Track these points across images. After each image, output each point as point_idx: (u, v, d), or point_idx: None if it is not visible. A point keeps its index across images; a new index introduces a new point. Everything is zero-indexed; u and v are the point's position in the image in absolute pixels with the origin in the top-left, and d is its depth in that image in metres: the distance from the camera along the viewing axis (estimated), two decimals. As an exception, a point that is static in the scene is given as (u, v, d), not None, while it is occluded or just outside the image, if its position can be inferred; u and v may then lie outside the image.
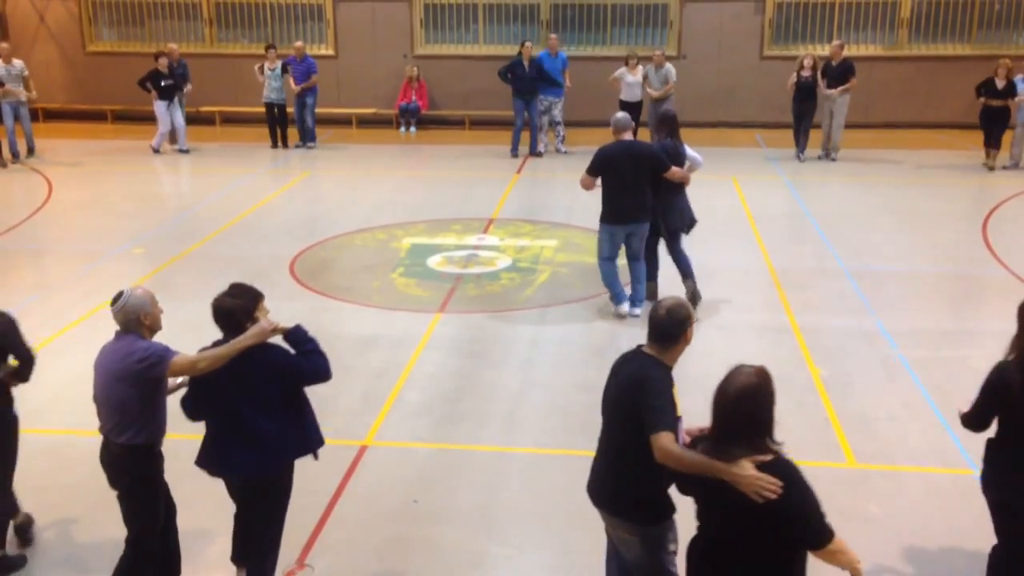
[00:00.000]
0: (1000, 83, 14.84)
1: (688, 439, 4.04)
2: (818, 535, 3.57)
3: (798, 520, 3.55)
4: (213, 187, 14.43)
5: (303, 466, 5.37)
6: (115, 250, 11.26)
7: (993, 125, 14.98)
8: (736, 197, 13.52)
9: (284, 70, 16.60)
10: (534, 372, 8.05)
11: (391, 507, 6.04)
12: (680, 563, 4.15)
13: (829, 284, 10.05)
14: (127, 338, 4.61)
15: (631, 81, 16.13)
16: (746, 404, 3.60)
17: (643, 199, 8.82)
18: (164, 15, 19.48)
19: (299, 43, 17.09)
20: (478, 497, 6.17)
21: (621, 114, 9.12)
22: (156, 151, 16.48)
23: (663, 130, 9.33)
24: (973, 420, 4.67)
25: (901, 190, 14.08)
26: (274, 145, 16.84)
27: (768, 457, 3.58)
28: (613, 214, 8.88)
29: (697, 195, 13.81)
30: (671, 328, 4.12)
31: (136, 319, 4.60)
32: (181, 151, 16.51)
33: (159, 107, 16.21)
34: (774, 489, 3.49)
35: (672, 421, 3.95)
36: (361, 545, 5.67)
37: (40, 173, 15.11)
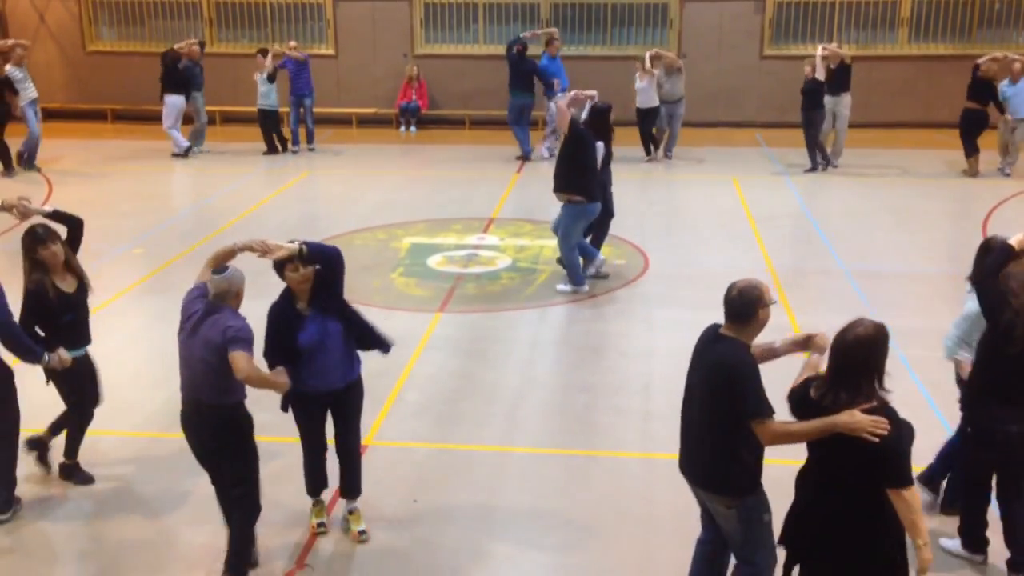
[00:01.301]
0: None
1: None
2: (901, 476, 4.00)
3: (890, 457, 3.97)
4: (213, 187, 14.43)
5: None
6: (115, 250, 11.26)
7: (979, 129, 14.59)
8: (736, 197, 13.51)
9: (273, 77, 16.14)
10: (534, 372, 8.06)
11: (391, 507, 6.04)
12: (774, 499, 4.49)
13: (829, 284, 10.05)
14: (225, 311, 5.00)
15: (640, 87, 15.58)
16: (860, 351, 4.08)
17: (600, 181, 9.66)
18: (164, 15, 19.47)
19: (278, 46, 16.87)
20: (478, 497, 6.18)
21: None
22: (184, 155, 16.10)
23: (590, 123, 9.63)
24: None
25: (901, 190, 14.07)
26: (273, 152, 16.52)
27: (870, 404, 4.03)
28: (591, 191, 9.40)
29: (697, 195, 13.99)
30: (743, 308, 4.41)
31: (235, 293, 5.07)
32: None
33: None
34: (886, 427, 3.94)
35: (769, 405, 4.26)
36: (361, 545, 5.67)
37: (40, 173, 15.11)
